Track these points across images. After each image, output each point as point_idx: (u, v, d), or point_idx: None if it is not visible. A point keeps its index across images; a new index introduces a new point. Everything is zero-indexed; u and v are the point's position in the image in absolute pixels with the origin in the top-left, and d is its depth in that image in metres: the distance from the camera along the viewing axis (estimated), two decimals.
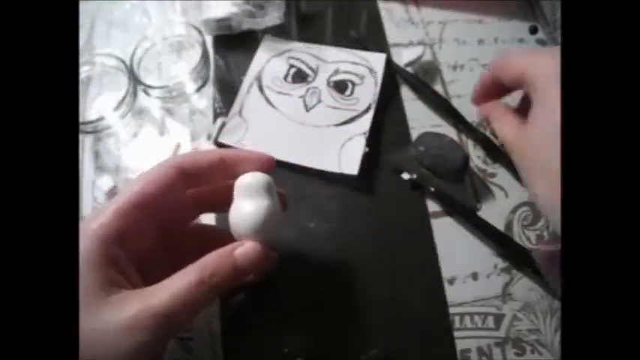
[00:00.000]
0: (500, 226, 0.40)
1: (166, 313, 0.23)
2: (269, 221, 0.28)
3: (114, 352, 0.23)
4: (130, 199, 0.27)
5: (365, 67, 0.47)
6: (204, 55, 0.45)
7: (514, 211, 0.41)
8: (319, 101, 0.45)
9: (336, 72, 0.47)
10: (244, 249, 0.27)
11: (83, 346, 0.22)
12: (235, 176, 0.29)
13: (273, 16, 0.48)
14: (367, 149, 0.42)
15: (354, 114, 0.44)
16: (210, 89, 0.47)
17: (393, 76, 0.47)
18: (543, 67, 0.30)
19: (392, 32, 0.50)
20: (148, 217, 0.27)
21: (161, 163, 0.29)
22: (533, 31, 0.50)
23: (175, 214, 0.30)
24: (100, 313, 0.23)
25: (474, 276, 0.39)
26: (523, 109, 0.34)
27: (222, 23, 0.48)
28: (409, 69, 0.47)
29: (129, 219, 0.26)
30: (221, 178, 0.31)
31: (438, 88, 0.47)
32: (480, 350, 0.36)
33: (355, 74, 0.46)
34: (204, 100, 0.46)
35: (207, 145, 0.42)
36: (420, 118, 0.45)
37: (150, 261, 0.29)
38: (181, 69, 0.47)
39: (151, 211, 0.27)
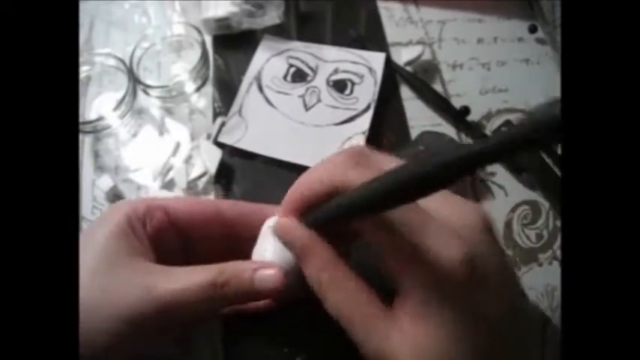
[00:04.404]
0: (500, 225, 0.40)
1: (170, 300, 0.24)
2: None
3: (111, 311, 0.24)
4: (158, 199, 0.29)
5: (364, 67, 0.47)
6: (204, 54, 0.45)
7: (514, 209, 0.41)
8: (319, 100, 0.45)
9: (336, 71, 0.47)
10: (266, 274, 0.26)
11: (95, 296, 0.23)
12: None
13: (273, 16, 0.48)
14: None
15: (354, 113, 0.44)
16: (209, 89, 0.47)
17: (392, 75, 0.47)
18: (432, 267, 0.20)
19: (391, 31, 0.50)
20: (171, 225, 0.29)
21: (201, 201, 0.32)
22: (533, 30, 0.50)
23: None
24: (111, 274, 0.25)
25: None
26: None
27: (222, 23, 0.48)
28: (408, 68, 0.48)
29: (154, 213, 0.28)
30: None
31: (437, 87, 0.47)
32: None
33: (355, 73, 0.46)
34: (204, 100, 0.46)
35: (207, 145, 0.42)
36: (419, 117, 0.45)
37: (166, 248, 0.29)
38: (181, 68, 0.47)
39: (176, 226, 0.29)
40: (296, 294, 0.32)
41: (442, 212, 0.22)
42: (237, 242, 0.29)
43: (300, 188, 0.25)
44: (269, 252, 0.27)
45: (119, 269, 0.25)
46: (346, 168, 0.23)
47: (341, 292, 0.23)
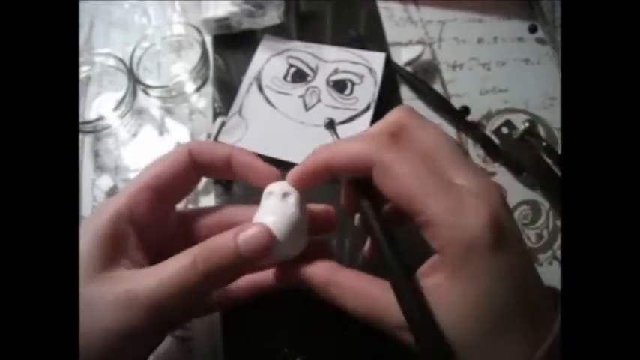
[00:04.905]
0: None
1: (152, 296, 0.22)
2: (289, 238, 0.25)
3: (99, 328, 0.22)
4: (143, 180, 0.27)
5: (364, 67, 0.47)
6: (204, 54, 0.45)
7: (514, 209, 0.41)
8: (319, 100, 0.45)
9: (336, 71, 0.47)
10: (248, 234, 0.24)
11: (81, 310, 0.22)
12: (241, 178, 0.29)
13: (273, 16, 0.48)
14: None
15: (354, 113, 0.44)
16: (209, 89, 0.47)
17: (392, 75, 0.47)
18: (462, 231, 0.21)
19: (391, 31, 0.50)
20: (159, 198, 0.27)
21: (177, 148, 0.29)
22: (533, 30, 0.50)
23: (185, 194, 0.30)
24: (92, 287, 0.23)
25: None
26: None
27: (222, 23, 0.48)
28: (408, 68, 0.47)
29: (141, 198, 0.26)
30: (227, 175, 0.29)
31: (437, 87, 0.47)
32: None
33: (355, 73, 0.46)
34: (204, 100, 0.46)
35: None
36: None
37: (162, 246, 0.28)
38: (181, 69, 0.47)
39: (163, 192, 0.27)
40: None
41: (464, 180, 0.23)
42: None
43: (326, 156, 0.25)
44: (269, 214, 0.25)
45: (101, 281, 0.23)
46: (381, 146, 0.23)
47: (350, 295, 0.24)
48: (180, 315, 0.29)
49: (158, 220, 0.28)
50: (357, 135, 0.26)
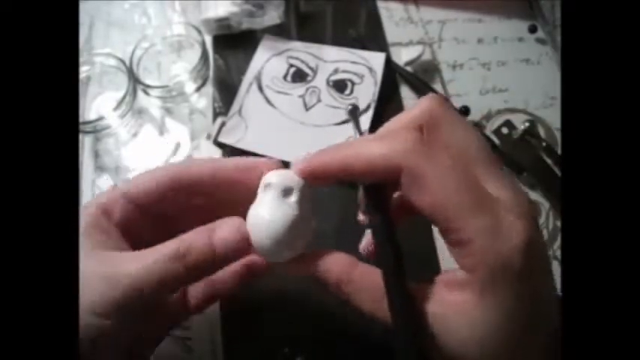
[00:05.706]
0: None
1: (133, 283, 0.23)
2: (287, 240, 0.23)
3: (88, 300, 0.22)
4: (120, 191, 0.26)
5: (364, 67, 0.47)
6: (204, 54, 0.45)
7: None
8: (319, 100, 0.45)
9: (336, 71, 0.47)
10: (222, 235, 0.23)
11: None
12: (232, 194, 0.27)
13: (273, 16, 0.48)
14: None
15: None
16: (209, 89, 0.47)
17: (392, 75, 0.47)
18: (497, 254, 0.20)
19: (391, 31, 0.50)
20: (137, 209, 0.27)
21: (158, 171, 0.27)
22: (533, 30, 0.50)
23: (168, 212, 0.28)
24: (85, 268, 0.23)
25: None
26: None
27: (222, 23, 0.48)
28: (409, 68, 0.47)
29: (117, 203, 0.26)
30: (218, 193, 0.27)
31: (437, 87, 0.47)
32: None
33: (355, 73, 0.46)
34: (204, 100, 0.46)
35: (207, 145, 0.42)
36: None
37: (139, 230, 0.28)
38: (181, 69, 0.47)
39: (142, 208, 0.27)
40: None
41: (499, 192, 0.22)
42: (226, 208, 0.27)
43: (343, 157, 0.23)
44: (266, 210, 0.23)
45: (84, 263, 0.23)
46: (410, 148, 0.21)
47: (365, 295, 0.23)
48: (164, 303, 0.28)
49: (133, 221, 0.27)
50: (378, 133, 0.24)
